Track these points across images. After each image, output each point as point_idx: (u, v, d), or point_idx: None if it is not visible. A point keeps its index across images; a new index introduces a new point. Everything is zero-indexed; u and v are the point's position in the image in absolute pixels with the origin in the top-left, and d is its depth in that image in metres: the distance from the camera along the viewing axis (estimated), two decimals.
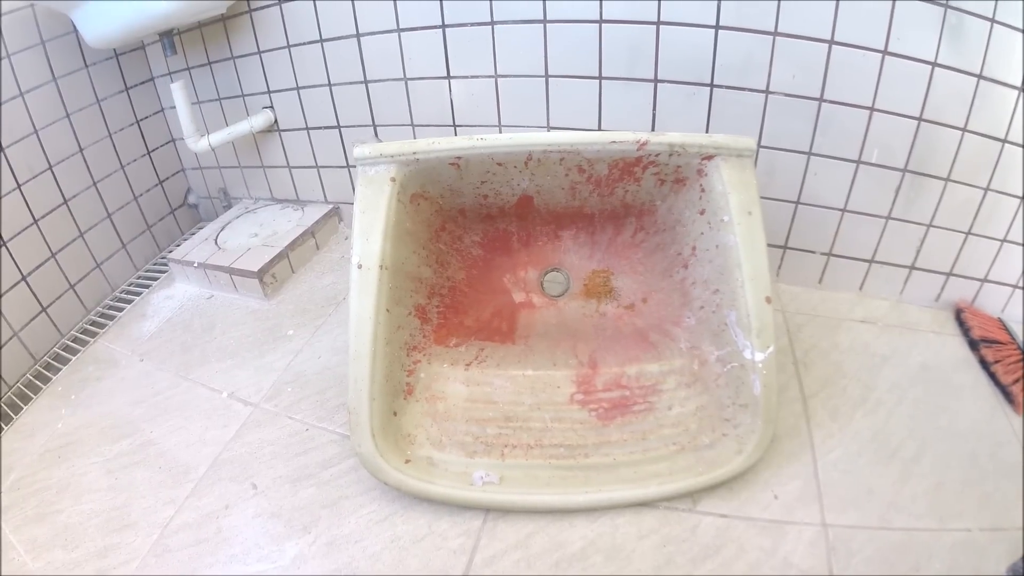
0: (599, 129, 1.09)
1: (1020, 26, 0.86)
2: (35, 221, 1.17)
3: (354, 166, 0.81)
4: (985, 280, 1.05)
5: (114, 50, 1.28)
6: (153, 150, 1.42)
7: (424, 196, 0.87)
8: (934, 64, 0.89)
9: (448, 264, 0.96)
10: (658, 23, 0.96)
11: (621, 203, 0.91)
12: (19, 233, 1.14)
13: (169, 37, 1.16)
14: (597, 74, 1.04)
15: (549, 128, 1.12)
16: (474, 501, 0.77)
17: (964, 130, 0.93)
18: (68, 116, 1.21)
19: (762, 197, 1.05)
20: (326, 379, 1.03)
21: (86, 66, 1.24)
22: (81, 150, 1.25)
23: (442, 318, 0.94)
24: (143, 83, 1.37)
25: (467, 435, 0.82)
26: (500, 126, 1.15)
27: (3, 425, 1.05)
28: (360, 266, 0.79)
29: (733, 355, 0.79)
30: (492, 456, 0.80)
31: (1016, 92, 0.90)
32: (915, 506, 0.77)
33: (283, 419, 0.97)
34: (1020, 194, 0.96)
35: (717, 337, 0.82)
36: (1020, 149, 0.93)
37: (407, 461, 0.80)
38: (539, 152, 0.79)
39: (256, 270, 1.22)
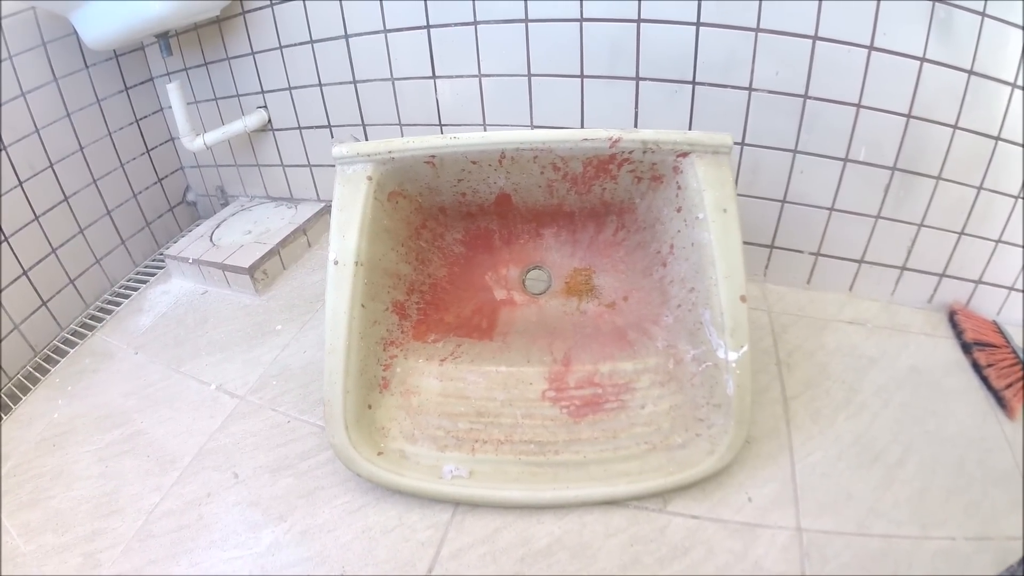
0: (582, 127, 1.09)
1: (1013, 20, 0.83)
2: (36, 217, 1.21)
3: None
4: (980, 281, 1.02)
5: (114, 51, 1.32)
6: (152, 149, 1.46)
7: (403, 194, 0.88)
8: (923, 60, 0.87)
9: (429, 261, 0.97)
10: (639, 21, 0.96)
11: (600, 201, 0.91)
12: (20, 229, 1.18)
13: (165, 39, 1.19)
14: (579, 73, 1.04)
15: (533, 126, 1.12)
16: (443, 494, 0.78)
17: (955, 127, 0.91)
18: (69, 115, 1.25)
19: (747, 195, 1.05)
20: (310, 373, 1.05)
21: (86, 66, 1.27)
22: (81, 148, 1.29)
23: (422, 314, 0.95)
24: (142, 83, 1.41)
25: (439, 429, 0.83)
26: (485, 125, 1.16)
27: (2, 415, 1.08)
28: (336, 262, 0.80)
29: (708, 354, 0.79)
30: (463, 450, 0.81)
31: (1009, 88, 0.87)
32: (896, 512, 0.75)
33: (267, 411, 0.99)
34: (1015, 193, 0.94)
35: (693, 336, 0.81)
36: (1014, 147, 0.91)
37: (379, 453, 0.81)
38: (512, 150, 0.80)
39: (247, 266, 1.24)
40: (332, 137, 1.32)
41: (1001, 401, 0.88)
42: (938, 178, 0.95)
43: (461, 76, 1.12)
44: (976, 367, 0.94)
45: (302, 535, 0.79)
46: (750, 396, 0.75)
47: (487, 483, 0.78)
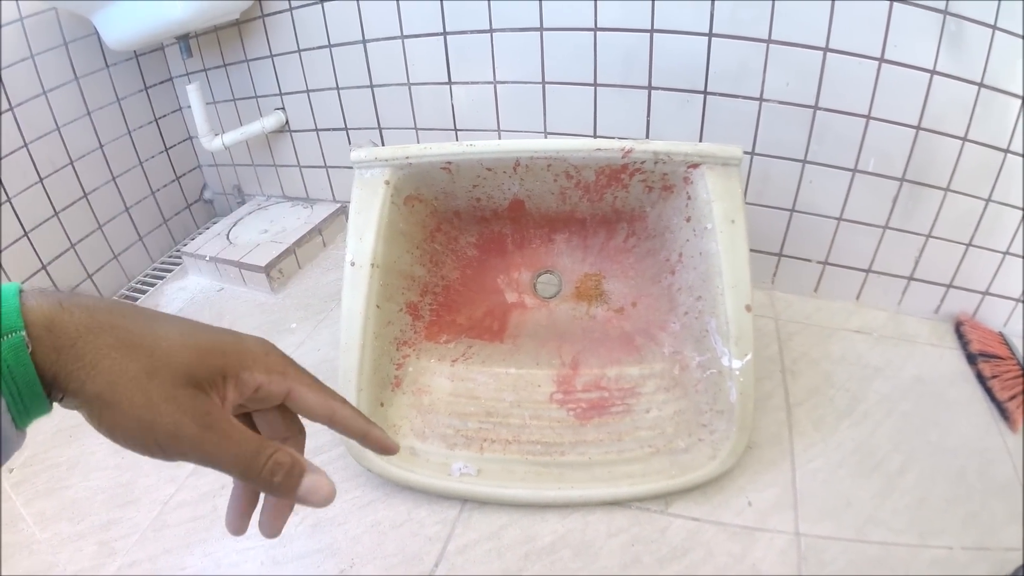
0: (594, 135, 1.10)
1: (1022, 33, 0.84)
2: (56, 213, 1.24)
3: None
4: (987, 293, 1.03)
5: (134, 51, 1.34)
6: (171, 147, 1.49)
7: (418, 198, 0.90)
8: (933, 72, 0.88)
9: (443, 264, 0.99)
10: (652, 31, 0.97)
11: (611, 208, 0.92)
12: (40, 224, 1.21)
13: (185, 40, 1.21)
14: (592, 81, 1.05)
15: (546, 133, 1.14)
16: (452, 491, 0.80)
17: (964, 140, 0.92)
18: (89, 114, 1.28)
19: (756, 204, 1.07)
20: (324, 370, 1.06)
21: (107, 66, 1.30)
22: (101, 146, 1.32)
23: (435, 315, 0.97)
24: (162, 83, 1.43)
25: (449, 428, 0.85)
26: (499, 131, 1.17)
27: None
28: (353, 264, 0.82)
29: (712, 362, 0.80)
30: (471, 449, 0.83)
31: (1019, 101, 0.88)
32: (895, 521, 0.76)
33: None
34: (1023, 206, 0.94)
35: (699, 343, 0.83)
36: (1022, 160, 0.91)
37: None
38: (526, 158, 0.81)
39: (263, 265, 1.27)
40: (349, 140, 1.34)
41: (1004, 413, 0.89)
42: (946, 190, 0.96)
43: (476, 82, 1.14)
44: (980, 378, 0.94)
45: (313, 528, 0.81)
46: (752, 403, 0.77)
47: (494, 481, 0.79)
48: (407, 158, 0.82)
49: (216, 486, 0.89)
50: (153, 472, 0.93)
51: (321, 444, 0.93)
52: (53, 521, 0.87)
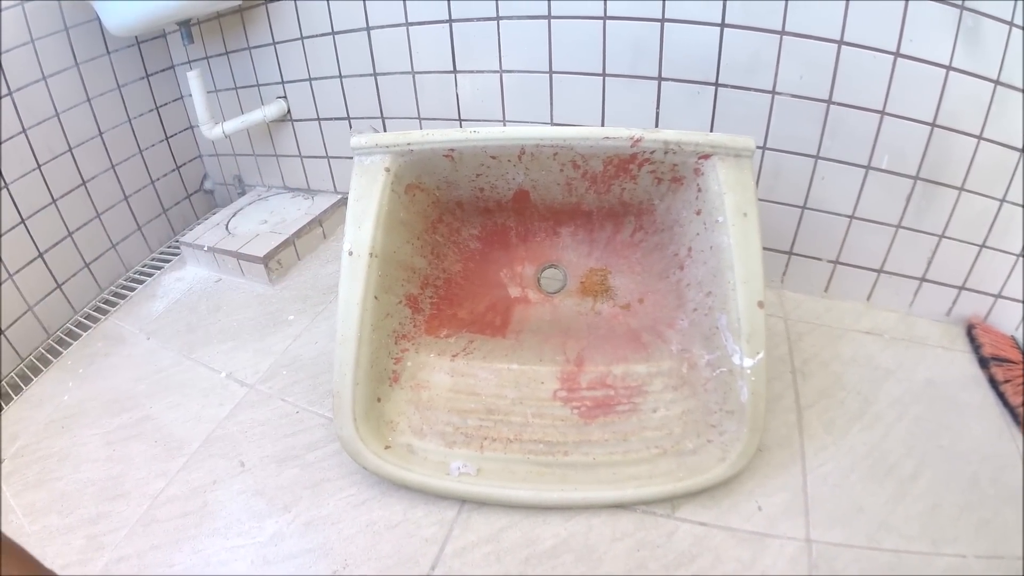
0: (602, 126, 1.08)
1: None
2: (54, 200, 1.22)
3: None
4: (999, 296, 1.00)
5: (135, 37, 1.33)
6: (171, 136, 1.47)
7: (420, 187, 0.88)
8: (948, 68, 0.86)
9: (445, 256, 0.97)
10: (662, 20, 0.95)
11: (619, 201, 0.90)
12: (38, 212, 1.19)
13: (187, 27, 1.19)
14: (601, 71, 1.03)
15: (553, 124, 1.12)
16: (450, 491, 0.78)
17: (980, 138, 0.90)
18: (89, 100, 1.26)
19: (767, 200, 1.04)
20: (320, 364, 1.05)
21: (108, 52, 1.28)
22: (101, 134, 1.30)
23: (435, 309, 0.95)
24: (163, 70, 1.42)
25: (448, 425, 0.83)
26: (505, 121, 1.16)
27: (12, 395, 1.09)
28: (350, 253, 0.80)
29: (722, 360, 0.78)
30: (471, 447, 0.80)
31: None
32: (907, 527, 0.74)
33: (276, 401, 0.99)
34: None
35: (708, 341, 0.81)
36: None
37: (387, 447, 0.80)
38: (531, 146, 0.79)
39: (262, 256, 1.25)
40: (351, 129, 1.32)
41: (1016, 417, 0.87)
42: (961, 189, 0.94)
43: (482, 71, 1.12)
44: (993, 382, 0.92)
45: (306, 526, 0.79)
46: (764, 404, 0.75)
47: (494, 481, 0.77)
48: (408, 144, 0.80)
49: (207, 481, 0.87)
50: (144, 466, 0.91)
51: (315, 440, 0.90)
52: (43, 513, 0.85)
